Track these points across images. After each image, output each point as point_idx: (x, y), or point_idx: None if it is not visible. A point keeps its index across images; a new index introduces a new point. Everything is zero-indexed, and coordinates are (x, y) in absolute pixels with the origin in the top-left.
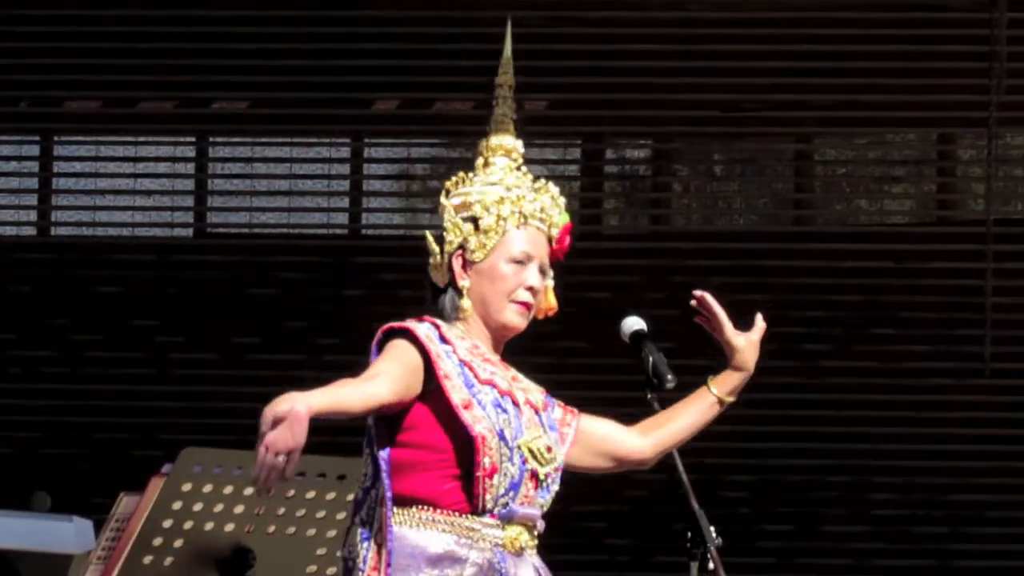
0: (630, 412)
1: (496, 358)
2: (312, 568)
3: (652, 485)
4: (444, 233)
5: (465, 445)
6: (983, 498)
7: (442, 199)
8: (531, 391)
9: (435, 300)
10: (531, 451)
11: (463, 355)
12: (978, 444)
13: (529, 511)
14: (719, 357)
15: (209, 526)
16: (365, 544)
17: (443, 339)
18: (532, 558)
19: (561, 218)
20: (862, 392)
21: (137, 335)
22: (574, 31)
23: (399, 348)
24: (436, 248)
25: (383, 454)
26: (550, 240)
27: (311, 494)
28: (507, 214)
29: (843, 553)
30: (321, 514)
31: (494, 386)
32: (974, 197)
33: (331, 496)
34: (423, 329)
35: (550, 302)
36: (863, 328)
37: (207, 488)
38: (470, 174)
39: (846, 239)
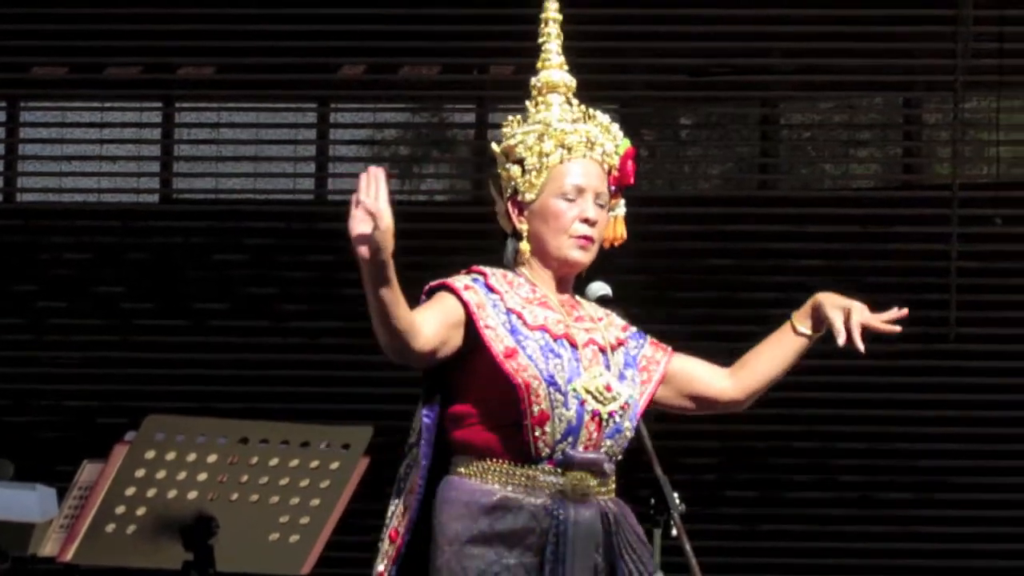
0: None
1: (558, 299)
2: (275, 535)
3: None
4: (500, 180)
5: (512, 394)
6: (948, 464)
7: (493, 146)
8: (603, 329)
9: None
10: (588, 392)
11: (512, 303)
12: (943, 410)
13: (590, 456)
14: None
15: (172, 494)
16: (394, 501)
17: (490, 288)
18: (600, 502)
19: (622, 144)
20: (827, 357)
21: (102, 301)
22: None
23: (440, 300)
24: (497, 195)
25: (428, 416)
26: (609, 170)
27: (274, 461)
28: (550, 150)
29: (807, 519)
30: (284, 481)
31: (546, 330)
32: (940, 161)
33: (294, 463)
34: (463, 282)
35: (618, 232)
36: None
37: (170, 456)
38: (519, 117)
39: (811, 203)
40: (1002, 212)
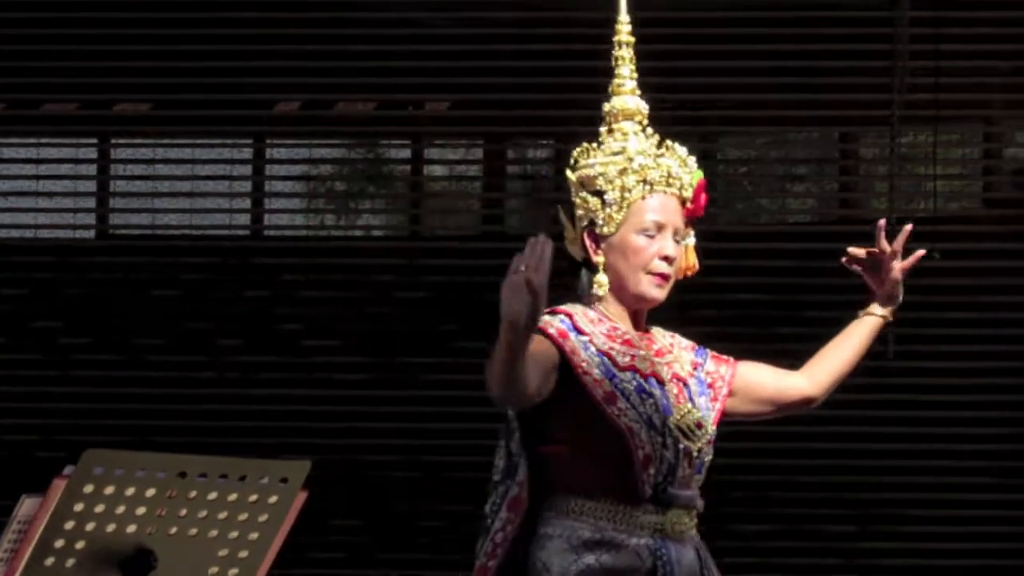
0: None
1: (637, 334)
2: (214, 569)
3: None
4: (574, 208)
5: (615, 438)
6: (891, 496)
7: (568, 173)
8: (679, 360)
9: (572, 274)
10: (681, 430)
11: (601, 344)
12: (882, 443)
13: (688, 493)
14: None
15: (111, 528)
16: (481, 540)
17: (578, 330)
18: (692, 540)
19: (695, 175)
20: None
21: (39, 337)
22: (475, 31)
23: (540, 348)
24: (568, 223)
25: (517, 454)
26: (684, 202)
27: (212, 495)
28: (632, 185)
29: (749, 552)
30: (223, 515)
31: (636, 371)
32: (877, 196)
33: (232, 497)
34: (556, 326)
35: (690, 261)
36: (768, 327)
37: (109, 490)
38: (594, 144)
39: (748, 238)
40: (940, 246)
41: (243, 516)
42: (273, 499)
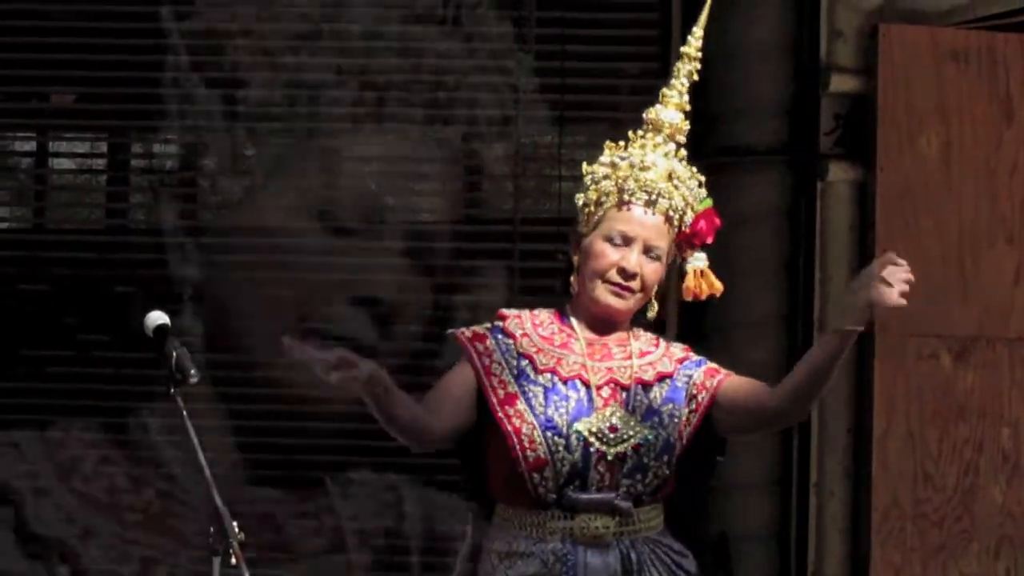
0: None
1: (588, 338)
2: None
3: (173, 480)
4: None
5: (505, 439)
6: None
7: (584, 166)
8: (637, 368)
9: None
10: (592, 433)
11: (526, 347)
12: None
13: (595, 497)
14: None
15: None
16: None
17: (507, 334)
18: (622, 544)
19: (702, 203)
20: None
21: None
22: (101, 25)
23: (454, 375)
24: None
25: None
26: (674, 223)
27: None
28: (609, 190)
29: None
30: None
31: (555, 373)
32: (503, 196)
33: None
34: (470, 331)
35: (707, 283)
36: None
37: None
38: (622, 143)
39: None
40: (565, 247)
41: None
42: None
